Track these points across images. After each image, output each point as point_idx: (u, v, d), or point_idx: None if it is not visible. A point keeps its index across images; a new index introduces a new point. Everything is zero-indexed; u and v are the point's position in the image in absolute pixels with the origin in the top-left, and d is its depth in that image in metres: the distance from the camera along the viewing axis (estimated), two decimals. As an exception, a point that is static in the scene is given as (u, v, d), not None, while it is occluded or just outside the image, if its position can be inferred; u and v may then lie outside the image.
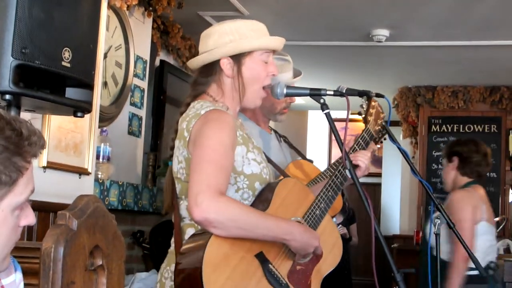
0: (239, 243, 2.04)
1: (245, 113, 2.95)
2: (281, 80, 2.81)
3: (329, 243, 2.32)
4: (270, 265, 2.11)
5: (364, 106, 2.71)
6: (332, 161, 10.84)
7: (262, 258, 2.09)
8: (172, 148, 2.30)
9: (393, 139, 2.59)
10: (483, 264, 3.60)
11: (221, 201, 2.00)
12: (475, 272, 3.53)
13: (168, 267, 2.24)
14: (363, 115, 2.68)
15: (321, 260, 2.29)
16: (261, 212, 2.12)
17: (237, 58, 2.29)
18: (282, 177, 2.59)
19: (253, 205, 2.19)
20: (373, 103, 2.71)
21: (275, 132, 3.16)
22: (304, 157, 3.20)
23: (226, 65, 2.28)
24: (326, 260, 2.31)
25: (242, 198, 2.20)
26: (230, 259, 2.01)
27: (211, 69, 2.31)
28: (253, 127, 2.96)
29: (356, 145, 2.61)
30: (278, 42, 2.36)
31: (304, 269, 2.24)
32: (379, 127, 2.73)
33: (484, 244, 3.75)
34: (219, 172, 2.05)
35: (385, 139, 2.94)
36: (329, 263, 2.33)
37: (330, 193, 2.37)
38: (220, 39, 2.29)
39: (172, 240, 2.28)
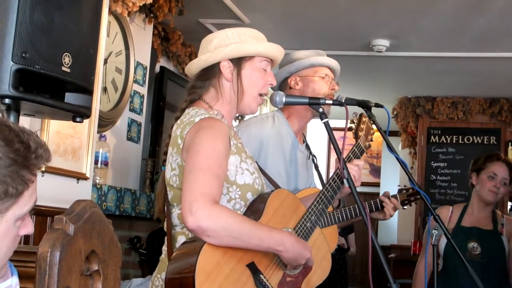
0: (231, 252, 2.02)
1: (283, 112, 2.90)
2: (324, 61, 3.04)
3: (318, 256, 2.31)
4: (261, 276, 2.09)
5: (355, 121, 2.72)
6: (331, 170, 10.70)
7: (253, 268, 2.07)
8: (166, 153, 2.28)
9: (391, 149, 2.59)
10: None
11: (215, 209, 1.98)
12: None
13: (159, 275, 2.21)
14: (354, 130, 2.69)
15: (310, 272, 2.28)
16: (255, 222, 2.10)
17: (237, 62, 2.28)
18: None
19: (245, 215, 2.16)
20: (364, 119, 2.72)
21: (308, 146, 3.05)
22: (323, 184, 3.02)
23: (226, 69, 2.27)
24: (315, 273, 2.30)
25: (234, 208, 2.17)
26: (222, 268, 2.00)
27: (210, 72, 2.29)
28: (289, 132, 2.89)
29: (347, 159, 2.62)
30: (278, 51, 2.35)
31: (294, 281, 2.23)
32: (369, 142, 2.75)
33: None
34: (213, 180, 2.03)
35: (416, 203, 2.99)
36: (318, 276, 2.31)
37: (321, 206, 2.36)
38: (222, 42, 2.28)
39: (163, 247, 2.26)
